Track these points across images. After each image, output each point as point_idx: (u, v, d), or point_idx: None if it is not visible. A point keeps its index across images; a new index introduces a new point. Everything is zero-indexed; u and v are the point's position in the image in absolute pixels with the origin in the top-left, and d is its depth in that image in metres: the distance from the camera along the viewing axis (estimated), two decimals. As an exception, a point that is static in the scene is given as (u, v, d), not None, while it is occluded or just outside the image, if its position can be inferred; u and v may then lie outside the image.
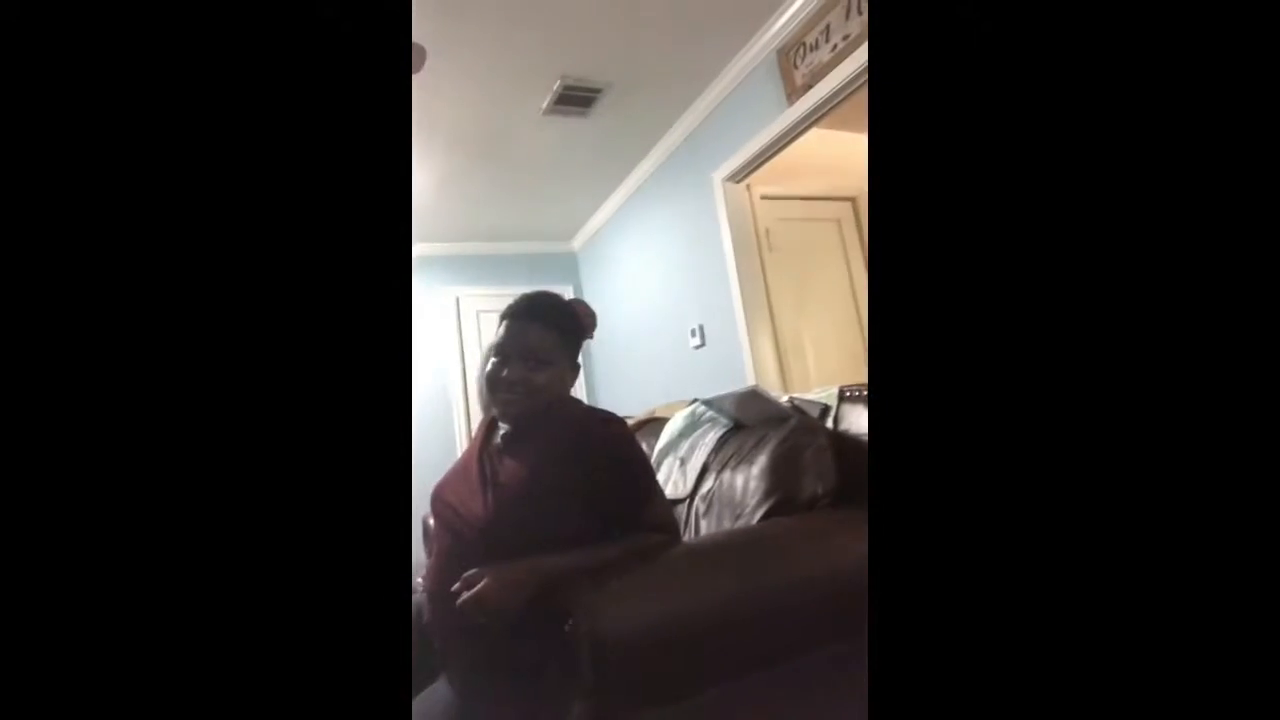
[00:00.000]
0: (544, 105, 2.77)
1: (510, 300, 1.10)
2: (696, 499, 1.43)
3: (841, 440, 1.28)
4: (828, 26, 2.23)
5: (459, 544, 0.95)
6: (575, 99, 2.74)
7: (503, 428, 1.07)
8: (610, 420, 1.04)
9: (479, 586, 0.84)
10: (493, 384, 1.02)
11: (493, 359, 1.03)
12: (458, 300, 4.33)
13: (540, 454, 0.99)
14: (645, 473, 1.05)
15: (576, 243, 4.56)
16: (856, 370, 2.90)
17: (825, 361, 2.85)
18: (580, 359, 1.13)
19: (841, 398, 1.37)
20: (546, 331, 1.04)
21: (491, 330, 1.10)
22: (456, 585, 0.85)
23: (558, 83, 2.62)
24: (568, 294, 4.38)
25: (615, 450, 1.01)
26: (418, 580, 1.32)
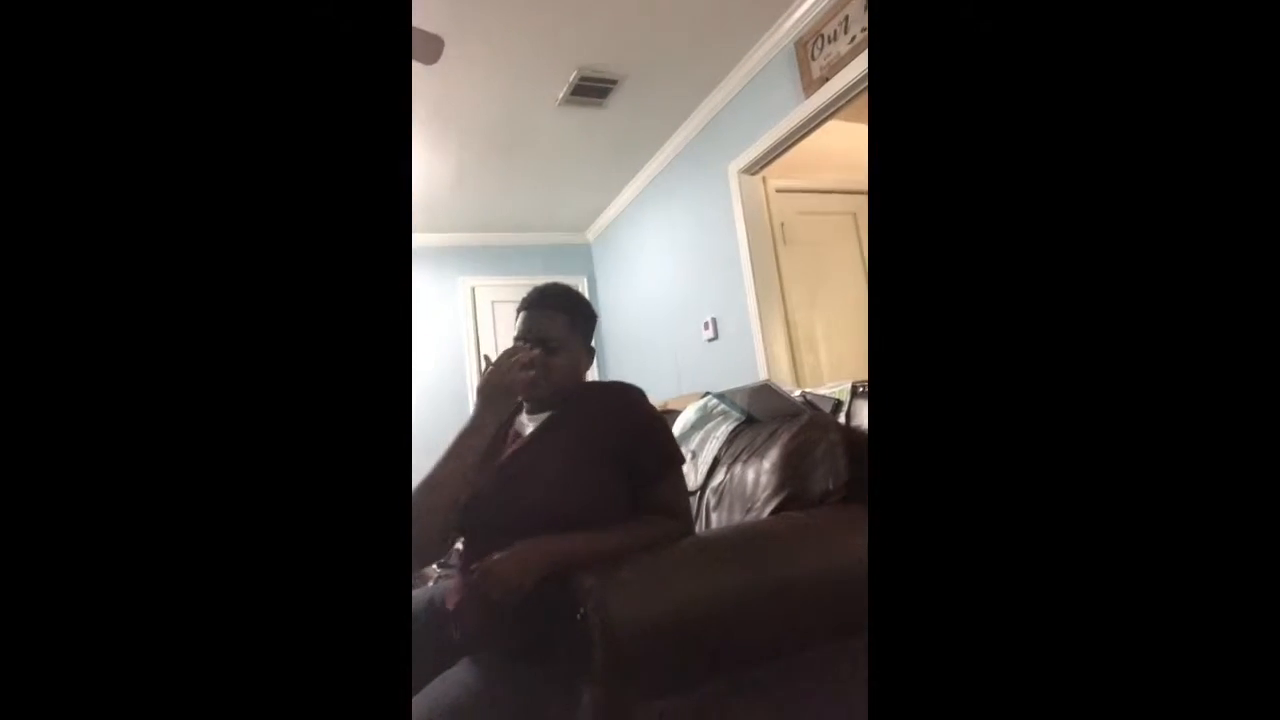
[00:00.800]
0: (560, 96, 2.77)
1: (525, 291, 1.16)
2: (707, 492, 1.44)
3: (853, 436, 1.28)
4: (846, 18, 2.21)
5: (490, 528, 0.97)
6: (592, 90, 2.74)
7: (525, 415, 1.12)
8: (636, 388, 1.10)
9: (492, 561, 0.86)
10: None
11: None
12: (473, 290, 4.35)
13: (567, 432, 1.04)
14: (670, 438, 1.10)
15: (591, 234, 4.56)
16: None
17: (838, 356, 2.84)
18: (594, 343, 1.19)
19: (854, 393, 1.37)
20: (557, 317, 1.10)
21: (505, 320, 1.16)
22: (475, 565, 0.88)
23: (574, 74, 2.62)
24: (581, 285, 4.36)
25: (643, 412, 1.07)
26: (431, 569, 1.34)
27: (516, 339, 1.11)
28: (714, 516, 1.38)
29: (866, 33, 2.12)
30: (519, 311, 1.13)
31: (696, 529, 1.33)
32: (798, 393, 1.48)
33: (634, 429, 1.04)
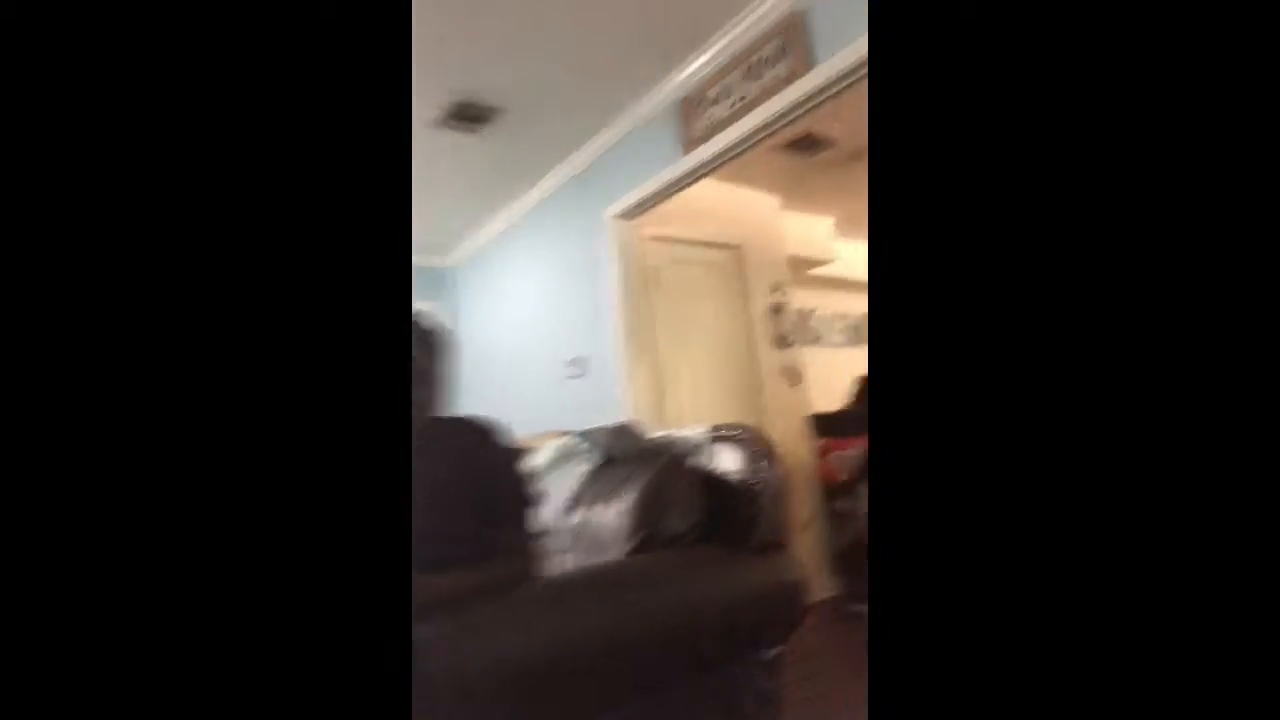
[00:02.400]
0: (431, 118, 2.69)
1: None
2: (563, 533, 1.41)
3: (708, 478, 1.32)
4: (729, 86, 2.35)
5: None
6: (466, 115, 2.69)
7: None
8: (488, 425, 1.06)
9: None
10: None
11: None
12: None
13: (430, 469, 0.97)
14: (522, 478, 1.07)
15: (453, 259, 4.43)
16: (731, 409, 3.00)
17: (702, 399, 2.93)
18: (450, 376, 1.14)
19: (712, 436, 1.41)
20: (420, 347, 1.05)
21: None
22: None
23: (448, 97, 2.57)
24: (439, 312, 4.17)
25: (494, 451, 1.04)
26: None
27: None
28: (569, 557, 1.36)
29: (744, 102, 2.26)
30: None
31: (553, 570, 1.30)
32: (658, 434, 1.50)
33: (485, 468, 1.00)
